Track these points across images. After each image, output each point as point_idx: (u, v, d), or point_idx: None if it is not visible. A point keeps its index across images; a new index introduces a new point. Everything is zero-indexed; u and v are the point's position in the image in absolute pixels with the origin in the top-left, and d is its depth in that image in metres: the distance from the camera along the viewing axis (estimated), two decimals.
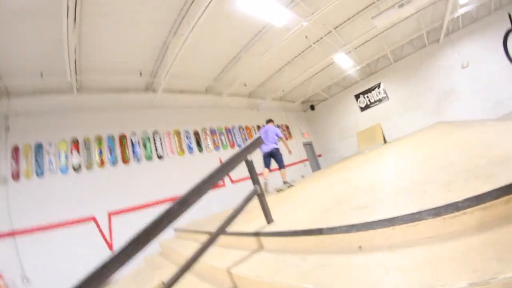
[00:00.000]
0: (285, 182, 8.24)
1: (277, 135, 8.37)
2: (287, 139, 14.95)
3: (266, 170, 8.15)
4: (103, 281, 1.92)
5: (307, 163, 16.46)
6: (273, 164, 8.35)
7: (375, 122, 15.14)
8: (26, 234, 7.85)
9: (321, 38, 10.82)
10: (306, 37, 10.43)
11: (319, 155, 17.99)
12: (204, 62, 10.47)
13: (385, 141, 13.92)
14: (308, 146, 17.53)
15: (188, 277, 3.31)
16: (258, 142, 3.14)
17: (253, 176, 3.06)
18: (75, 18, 6.40)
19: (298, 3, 8.16)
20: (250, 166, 3.07)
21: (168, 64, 8.79)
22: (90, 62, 8.69)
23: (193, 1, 7.36)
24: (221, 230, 2.73)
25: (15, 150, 8.46)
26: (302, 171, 15.35)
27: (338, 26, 10.57)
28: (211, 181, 2.61)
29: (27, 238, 7.85)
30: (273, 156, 8.22)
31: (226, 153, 11.99)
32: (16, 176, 8.24)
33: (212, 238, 2.65)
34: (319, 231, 2.11)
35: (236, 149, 11.70)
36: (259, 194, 3.05)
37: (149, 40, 8.58)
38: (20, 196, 8.07)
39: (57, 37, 6.95)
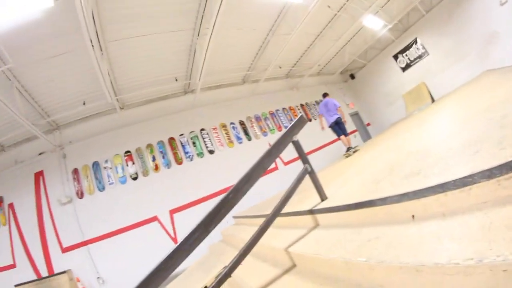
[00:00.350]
0: (349, 148, 8.81)
1: (335, 106, 8.99)
2: None
3: (342, 137, 8.96)
4: (170, 271, 2.11)
5: (357, 134, 15.93)
6: None
7: (419, 81, 14.14)
8: (96, 241, 9.04)
9: (344, 4, 10.42)
10: (329, 7, 10.12)
11: (368, 124, 17.33)
12: (234, 54, 10.60)
13: (432, 100, 13.14)
14: (355, 116, 16.97)
15: (249, 259, 3.50)
16: (301, 121, 3.12)
17: (302, 156, 3.08)
18: (100, 46, 6.83)
19: None
20: (298, 146, 3.08)
21: (199, 65, 9.00)
22: (125, 81, 9.33)
23: (206, 2, 7.48)
24: (277, 212, 2.83)
25: (75, 172, 9.57)
26: (353, 142, 14.85)
27: None
28: (260, 168, 2.69)
29: (98, 244, 9.06)
30: (338, 124, 8.92)
31: (275, 137, 11.87)
32: (80, 194, 9.41)
33: (269, 221, 2.76)
34: (371, 203, 2.10)
35: (284, 131, 11.79)
36: (310, 173, 3.06)
37: (175, 47, 8.90)
38: (87, 210, 9.28)
39: (90, 66, 7.47)
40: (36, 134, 8.81)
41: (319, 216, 2.85)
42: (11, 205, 9.42)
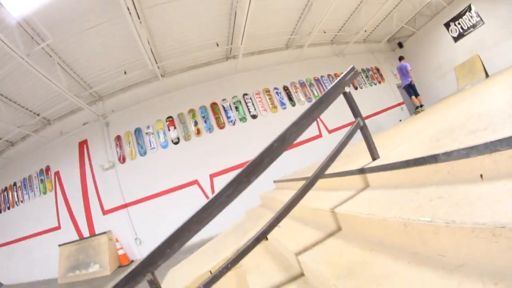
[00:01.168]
0: (421, 105, 10.49)
1: (406, 69, 10.31)
2: (379, 82, 14.71)
3: (413, 97, 10.45)
4: (204, 224, 2.05)
5: (404, 106, 15.03)
6: None
7: (472, 53, 12.71)
8: (136, 204, 9.49)
9: None
10: None
11: None
12: (276, 17, 10.19)
13: (487, 75, 11.85)
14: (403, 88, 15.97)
15: (289, 223, 3.30)
16: (354, 73, 2.83)
17: (354, 108, 2.79)
18: (137, 14, 6.72)
19: None
20: (350, 98, 2.79)
21: (241, 29, 8.72)
22: (166, 48, 9.26)
23: None
24: (321, 172, 2.56)
25: (117, 139, 9.96)
26: (399, 115, 14.20)
27: None
28: (309, 117, 2.47)
29: (137, 207, 9.49)
30: (410, 86, 10.38)
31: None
32: (122, 159, 9.81)
33: (312, 181, 2.51)
34: (433, 159, 1.78)
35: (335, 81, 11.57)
36: (362, 128, 2.77)
37: (215, 10, 8.62)
38: (128, 175, 9.70)
39: (129, 36, 7.56)
40: (80, 105, 9.19)
41: (370, 176, 2.54)
42: (57, 173, 10.11)
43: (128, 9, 6.19)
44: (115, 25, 7.49)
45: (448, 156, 1.68)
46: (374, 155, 2.74)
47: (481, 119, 2.13)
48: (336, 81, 2.74)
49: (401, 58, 10.99)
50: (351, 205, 2.32)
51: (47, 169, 10.29)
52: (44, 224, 9.94)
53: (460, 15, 13.18)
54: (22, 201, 10.47)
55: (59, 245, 9.45)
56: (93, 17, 7.09)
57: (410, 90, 10.47)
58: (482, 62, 12.20)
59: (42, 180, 10.30)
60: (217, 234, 6.44)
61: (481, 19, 12.44)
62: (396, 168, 2.17)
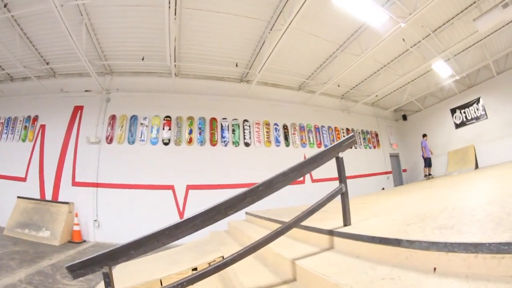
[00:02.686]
0: (429, 174, 13.29)
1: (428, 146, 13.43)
2: (374, 147, 15.18)
3: (426, 168, 13.43)
4: (173, 238, 2.12)
5: (391, 176, 15.47)
6: None
7: (468, 142, 13.38)
8: (107, 187, 9.38)
9: (419, 41, 10.10)
10: (404, 40, 9.89)
11: (404, 170, 16.70)
12: (299, 58, 10.54)
13: (476, 166, 12.49)
14: (395, 158, 16.45)
15: (249, 259, 3.38)
16: (351, 141, 3.02)
17: (342, 175, 2.93)
18: (175, 10, 6.95)
19: (394, 2, 7.67)
20: (340, 163, 2.94)
21: (264, 58, 9.02)
22: (188, 50, 9.48)
23: None
24: (296, 222, 2.68)
25: (112, 118, 9.96)
26: (384, 183, 14.59)
27: (437, 29, 9.69)
28: (299, 171, 2.61)
29: (107, 190, 9.39)
30: (429, 159, 13.38)
31: (312, 151, 11.86)
32: (110, 140, 9.79)
33: (286, 228, 2.62)
34: (397, 242, 1.94)
35: (323, 149, 11.71)
36: (343, 194, 2.91)
37: (246, 33, 8.93)
38: (110, 156, 9.67)
39: (159, 27, 7.75)
40: (89, 72, 9.16)
41: (337, 240, 2.67)
42: (42, 126, 10.00)
43: (169, 2, 6.39)
44: (151, 12, 7.66)
45: (410, 244, 1.83)
46: (347, 222, 2.88)
47: (452, 216, 2.31)
48: (333, 145, 2.92)
49: (424, 136, 13.64)
50: (311, 262, 2.44)
51: (35, 118, 10.12)
52: (11, 170, 9.67)
53: (467, 105, 13.81)
54: None
55: (18, 197, 9.16)
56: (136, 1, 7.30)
57: (427, 161, 13.30)
58: (475, 153, 12.83)
59: (26, 127, 10.09)
60: (176, 244, 6.40)
61: (485, 113, 13.06)
62: (363, 240, 2.30)
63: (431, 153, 13.42)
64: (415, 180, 15.23)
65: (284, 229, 2.61)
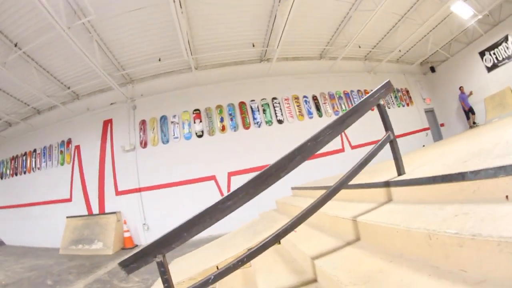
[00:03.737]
0: (474, 123, 13.37)
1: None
2: (407, 104, 14.69)
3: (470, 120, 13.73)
4: (226, 212, 2.05)
5: (429, 132, 14.86)
6: None
7: (504, 85, 12.43)
8: (150, 190, 9.63)
9: None
10: None
11: (442, 125, 15.94)
12: (314, 25, 10.26)
13: None
14: (430, 113, 15.71)
15: (305, 229, 3.29)
16: (389, 88, 2.86)
17: (386, 121, 2.79)
18: (180, 3, 6.84)
19: None
20: (383, 110, 2.79)
21: (279, 33, 8.80)
22: (202, 40, 9.39)
23: None
24: (346, 181, 2.53)
25: (142, 123, 10.15)
26: (423, 140, 13.99)
27: None
28: (343, 123, 2.50)
29: (150, 193, 9.63)
30: (471, 110, 13.63)
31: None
32: (144, 144, 9.98)
33: (335, 189, 2.49)
34: (461, 176, 1.77)
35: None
36: (392, 141, 2.78)
37: (255, 11, 8.71)
38: (147, 160, 9.87)
39: (168, 24, 7.81)
40: (110, 85, 9.38)
41: (394, 190, 2.52)
42: (77, 147, 10.41)
43: None
44: (157, 12, 7.67)
45: (476, 174, 1.68)
46: (400, 171, 2.71)
47: (508, 146, 2.14)
48: (372, 91, 2.74)
49: (460, 88, 13.92)
50: (373, 216, 2.31)
51: (69, 141, 10.58)
52: (56, 194, 10.21)
53: (496, 45, 12.88)
54: (39, 168, 10.82)
55: (67, 217, 9.65)
56: (140, 4, 7.33)
57: (467, 113, 13.81)
58: None
59: (61, 151, 10.58)
60: (226, 232, 6.46)
61: None
62: (422, 184, 2.15)
63: (471, 94, 13.68)
64: (455, 133, 14.52)
65: (336, 188, 2.49)
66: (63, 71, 9.29)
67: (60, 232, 9.37)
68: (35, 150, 11.06)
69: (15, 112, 10.62)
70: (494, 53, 13.03)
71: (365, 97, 2.70)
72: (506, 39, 12.41)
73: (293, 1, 7.35)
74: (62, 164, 10.46)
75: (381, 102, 2.75)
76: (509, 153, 1.80)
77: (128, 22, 7.94)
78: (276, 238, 2.30)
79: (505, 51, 12.54)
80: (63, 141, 10.67)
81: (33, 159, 10.98)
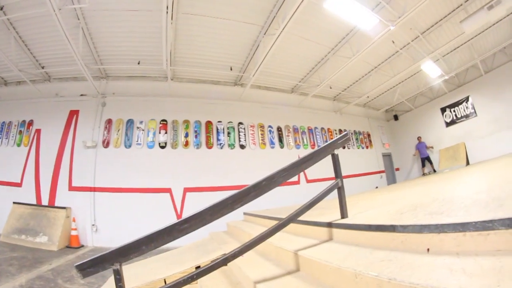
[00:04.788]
0: (431, 171, 14.45)
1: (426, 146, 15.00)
2: (367, 147, 15.42)
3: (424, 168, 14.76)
4: (182, 233, 2.22)
5: (384, 175, 15.72)
6: None
7: (459, 140, 13.72)
8: (104, 191, 9.38)
9: (408, 43, 10.38)
10: (393, 42, 10.14)
11: (397, 169, 17.01)
12: (292, 62, 10.75)
13: (467, 163, 12.79)
14: (387, 157, 16.72)
15: (251, 255, 3.54)
16: (346, 139, 3.21)
17: (338, 170, 3.11)
18: (171, 15, 7.00)
19: (383, 6, 7.93)
20: (336, 160, 3.12)
21: (258, 62, 9.22)
22: (183, 54, 9.57)
23: (282, 3, 7.60)
24: (296, 216, 2.84)
25: (108, 122, 10.01)
26: (377, 182, 14.81)
27: (425, 31, 9.97)
28: (299, 167, 2.81)
29: (104, 194, 9.40)
30: (427, 159, 14.76)
31: (306, 152, 12.04)
32: (106, 144, 9.83)
33: (284, 223, 2.77)
34: (392, 228, 2.13)
35: (315, 149, 12.02)
36: (340, 188, 3.09)
37: (240, 38, 9.09)
38: (106, 160, 9.68)
39: (155, 31, 7.93)
40: (84, 75, 9.13)
41: (335, 231, 2.85)
42: (38, 131, 9.93)
43: (167, 7, 6.53)
44: (148, 17, 7.76)
45: (404, 228, 2.04)
46: (344, 214, 3.05)
47: (442, 204, 2.52)
48: (329, 142, 3.11)
49: (419, 138, 15.31)
50: (313, 251, 2.62)
51: (30, 123, 10.02)
52: (6, 175, 9.54)
53: (457, 104, 14.15)
54: None
55: (14, 202, 9.09)
56: (134, 1, 7.35)
57: (423, 161, 14.75)
58: (466, 150, 13.13)
59: (20, 132, 9.98)
60: (175, 246, 6.46)
61: (475, 111, 13.40)
62: (359, 229, 2.50)
63: (431, 148, 14.93)
64: (408, 178, 15.50)
65: (285, 222, 2.77)
66: (42, 49, 8.98)
67: (3, 217, 8.73)
68: None
69: None
70: (454, 111, 14.32)
71: (322, 146, 3.06)
72: (467, 99, 13.70)
73: (278, 36, 7.81)
74: (18, 145, 9.83)
75: (336, 152, 3.09)
76: (438, 212, 2.17)
77: (118, 19, 7.95)
78: (224, 261, 2.51)
79: (464, 110, 13.82)
80: (24, 121, 10.07)
81: None
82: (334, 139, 3.14)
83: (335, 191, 3.15)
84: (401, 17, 7.74)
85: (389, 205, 3.49)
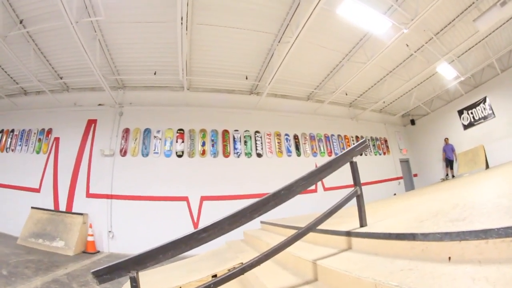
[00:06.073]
0: (453, 175, 13.77)
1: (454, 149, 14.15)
2: (384, 153, 15.24)
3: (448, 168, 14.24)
4: (201, 242, 2.20)
5: (402, 181, 15.45)
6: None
7: (478, 143, 13.26)
8: (121, 199, 9.53)
9: (422, 46, 10.26)
10: (407, 45, 10.03)
11: (415, 175, 16.63)
12: (307, 69, 10.80)
13: (487, 166, 12.35)
14: (405, 163, 16.42)
15: (268, 264, 3.49)
16: (364, 146, 3.16)
17: (356, 178, 3.07)
18: (186, 26, 7.15)
19: (395, 9, 7.88)
20: (355, 167, 3.07)
21: (273, 70, 9.29)
22: (199, 64, 9.74)
23: (295, 11, 7.65)
24: (315, 225, 2.80)
25: (126, 131, 10.19)
26: (395, 189, 14.56)
27: (439, 32, 9.81)
28: (317, 175, 2.76)
29: (121, 202, 9.55)
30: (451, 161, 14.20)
31: (323, 160, 12.02)
32: (123, 152, 10.01)
33: (303, 232, 2.73)
34: (412, 236, 2.06)
35: (333, 157, 11.89)
36: (359, 196, 3.04)
37: (255, 47, 9.19)
38: (123, 168, 9.86)
39: (171, 41, 8.11)
40: (102, 86, 9.40)
41: (354, 240, 2.79)
42: (56, 139, 10.23)
43: (182, 18, 6.63)
44: (163, 28, 7.94)
45: (425, 236, 1.96)
46: (363, 223, 2.99)
47: (464, 210, 2.42)
48: (347, 150, 3.06)
49: (446, 140, 14.51)
50: (332, 261, 2.56)
51: (49, 131, 10.37)
52: (25, 181, 9.85)
53: (474, 105, 13.73)
54: (13, 150, 10.42)
55: (32, 207, 9.29)
56: (149, 12, 7.52)
57: (447, 162, 14.29)
58: (485, 153, 12.71)
59: (40, 139, 10.32)
60: (192, 254, 6.49)
61: (493, 112, 12.94)
62: (379, 238, 2.43)
63: (455, 158, 14.13)
64: (427, 184, 15.14)
65: (303, 232, 2.74)
66: (60, 60, 9.30)
67: (22, 221, 8.99)
68: (12, 130, 10.64)
69: (1, 87, 10.33)
70: (471, 113, 13.89)
71: (340, 154, 3.01)
72: (484, 100, 13.28)
73: (292, 44, 7.84)
74: (38, 152, 10.17)
75: (354, 160, 3.05)
76: (459, 219, 2.09)
77: (134, 31, 8.18)
78: (242, 271, 2.48)
79: (482, 111, 13.39)
80: (43, 129, 10.42)
81: (9, 139, 10.56)
82: (352, 147, 3.10)
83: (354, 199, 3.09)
84: (414, 19, 7.67)
85: (409, 213, 3.40)
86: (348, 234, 2.86)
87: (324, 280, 2.51)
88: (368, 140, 14.69)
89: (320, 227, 2.96)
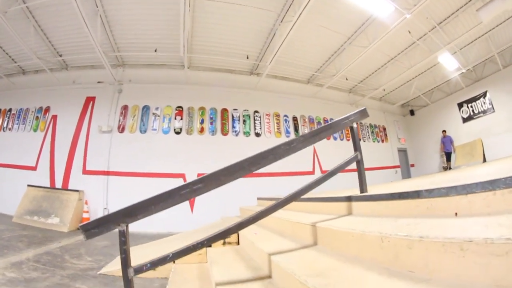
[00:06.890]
0: (450, 168, 13.79)
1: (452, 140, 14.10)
2: (382, 141, 15.19)
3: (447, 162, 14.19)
4: (197, 193, 2.19)
5: (399, 170, 15.50)
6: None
7: (476, 136, 13.34)
8: (117, 175, 9.51)
9: (425, 34, 10.12)
10: (409, 32, 9.88)
11: (412, 165, 16.65)
12: (309, 51, 10.64)
13: (484, 160, 12.46)
14: (402, 152, 16.41)
15: (265, 233, 3.46)
16: (364, 113, 3.10)
17: (356, 142, 3.03)
18: (189, 1, 7.04)
19: None
20: (354, 133, 3.03)
21: (274, 50, 9.16)
22: (200, 42, 9.57)
23: None
24: (311, 187, 2.74)
25: (124, 108, 10.11)
26: (392, 177, 14.60)
27: (442, 22, 9.69)
28: (317, 136, 2.74)
29: (117, 178, 9.52)
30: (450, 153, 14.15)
31: (321, 143, 12.02)
32: (121, 129, 9.94)
33: (299, 192, 2.69)
34: (416, 194, 2.00)
35: (332, 141, 12.25)
36: (359, 161, 3.01)
37: (257, 25, 9.01)
38: (121, 145, 9.81)
39: (172, 18, 7.95)
40: (102, 63, 9.29)
41: (355, 205, 2.73)
42: (54, 117, 10.15)
43: None
44: (166, 4, 7.81)
45: (430, 193, 1.89)
46: (363, 189, 2.94)
47: (467, 177, 2.36)
48: (347, 114, 3.01)
49: (444, 132, 14.42)
50: (332, 224, 2.48)
51: (47, 109, 10.30)
52: (22, 159, 9.84)
53: (474, 99, 13.73)
54: (10, 129, 10.37)
55: (28, 185, 9.26)
56: None
57: (446, 155, 14.16)
58: (483, 147, 12.80)
59: (37, 117, 10.26)
60: (187, 231, 6.55)
61: (492, 107, 12.96)
62: (381, 200, 2.38)
63: (453, 149, 14.01)
64: (423, 174, 15.15)
65: (298, 193, 2.68)
66: (60, 37, 9.13)
67: (17, 199, 8.96)
68: (10, 110, 10.58)
69: (0, 66, 10.23)
70: (471, 106, 13.89)
71: (340, 117, 2.96)
72: (484, 95, 13.28)
73: (294, 23, 7.72)
74: (35, 130, 10.12)
75: (354, 125, 3.01)
76: (460, 180, 2.05)
77: (136, 7, 8.01)
78: (238, 227, 2.50)
79: (482, 105, 13.40)
80: (41, 107, 10.35)
81: (6, 119, 10.49)
82: (352, 112, 3.04)
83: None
84: (416, 4, 7.56)
85: (409, 183, 3.35)
86: (349, 199, 2.81)
87: (324, 243, 2.46)
88: (367, 126, 14.71)
89: (318, 196, 2.91)
